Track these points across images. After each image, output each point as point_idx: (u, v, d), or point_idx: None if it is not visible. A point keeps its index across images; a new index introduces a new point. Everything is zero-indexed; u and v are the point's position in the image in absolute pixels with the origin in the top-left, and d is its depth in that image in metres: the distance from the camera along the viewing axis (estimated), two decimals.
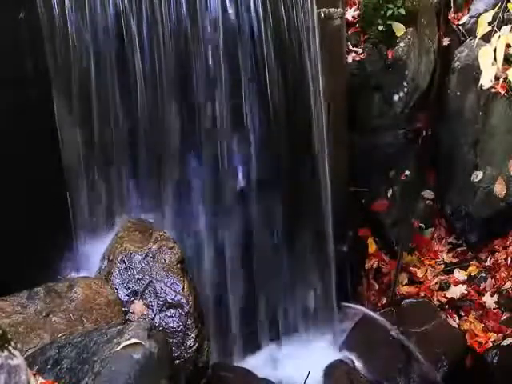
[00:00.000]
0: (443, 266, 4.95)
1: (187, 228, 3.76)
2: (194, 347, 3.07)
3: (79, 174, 3.49)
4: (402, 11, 4.66)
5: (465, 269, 4.87)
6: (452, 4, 5.11)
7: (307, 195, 4.17)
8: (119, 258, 3.22)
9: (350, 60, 4.82)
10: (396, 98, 4.86)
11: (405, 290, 4.86)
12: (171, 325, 3.08)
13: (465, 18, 5.05)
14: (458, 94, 4.89)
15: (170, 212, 3.70)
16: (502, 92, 4.64)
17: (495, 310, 4.57)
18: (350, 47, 4.85)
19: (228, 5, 3.61)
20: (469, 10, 5.05)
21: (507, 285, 4.63)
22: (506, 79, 4.31)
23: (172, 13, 3.49)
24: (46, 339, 2.77)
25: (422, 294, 4.74)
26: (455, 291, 4.73)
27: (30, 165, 3.28)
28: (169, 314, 3.10)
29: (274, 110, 3.87)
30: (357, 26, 4.90)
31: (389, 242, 5.04)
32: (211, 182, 3.80)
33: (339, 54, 4.50)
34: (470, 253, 4.97)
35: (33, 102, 3.27)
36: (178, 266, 3.20)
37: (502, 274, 4.69)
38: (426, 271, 4.93)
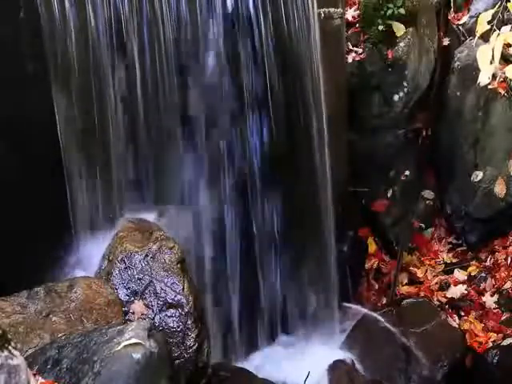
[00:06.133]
0: (443, 266, 4.96)
1: (186, 235, 3.75)
2: (194, 347, 3.07)
3: (79, 173, 3.50)
4: (402, 11, 4.66)
5: (465, 269, 4.87)
6: (452, 4, 5.11)
7: (307, 195, 4.17)
8: (119, 258, 3.22)
9: (350, 60, 4.82)
10: (396, 97, 4.86)
11: (405, 289, 4.86)
12: (171, 325, 3.07)
13: (465, 18, 5.05)
14: (458, 93, 4.90)
15: (170, 214, 3.70)
16: (502, 92, 4.64)
17: (495, 310, 4.57)
18: (350, 47, 4.86)
19: (228, 5, 3.61)
20: (469, 9, 5.05)
21: (507, 285, 4.63)
22: (505, 79, 4.31)
23: (172, 12, 3.50)
24: (45, 339, 2.77)
25: (422, 294, 4.74)
26: (455, 291, 4.73)
27: (29, 164, 3.28)
28: (169, 314, 3.09)
29: (274, 110, 3.87)
30: (357, 26, 4.90)
31: (389, 241, 5.04)
32: (212, 180, 3.81)
33: (339, 54, 4.50)
34: (469, 253, 4.97)
35: (33, 101, 3.28)
36: (178, 265, 3.20)
37: (502, 274, 4.70)
38: (426, 271, 4.93)
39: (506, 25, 2.54)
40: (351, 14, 4.91)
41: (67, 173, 3.49)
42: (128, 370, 2.28)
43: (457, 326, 4.47)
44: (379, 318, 4.27)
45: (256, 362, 4.04)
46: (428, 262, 4.99)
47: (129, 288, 3.15)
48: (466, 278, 4.81)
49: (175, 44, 3.54)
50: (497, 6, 2.60)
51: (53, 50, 3.33)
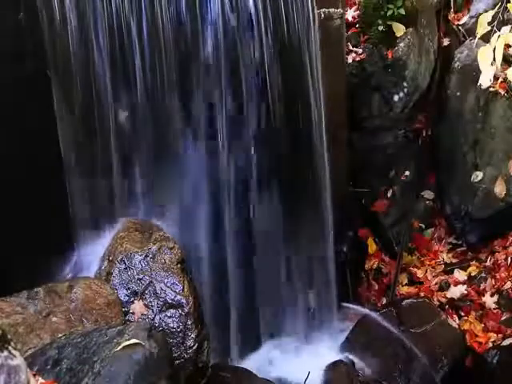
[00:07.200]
0: (443, 267, 4.95)
1: (186, 236, 3.75)
2: (194, 347, 3.07)
3: (80, 173, 3.50)
4: (402, 11, 4.66)
5: (465, 269, 4.86)
6: (452, 4, 5.11)
7: (307, 195, 4.18)
8: (119, 259, 3.22)
9: (350, 60, 4.82)
10: (396, 98, 4.86)
11: (405, 290, 4.86)
12: (171, 325, 3.08)
13: (465, 19, 5.04)
14: (458, 94, 4.89)
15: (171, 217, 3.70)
16: (502, 92, 4.63)
17: (495, 310, 4.56)
18: (350, 47, 4.86)
19: (228, 5, 3.61)
20: (469, 10, 5.04)
21: (507, 285, 4.62)
22: (505, 79, 4.31)
23: (172, 13, 3.50)
24: (45, 339, 2.77)
25: (422, 295, 4.73)
26: (455, 291, 4.73)
27: (29, 165, 3.29)
28: (169, 315, 3.10)
29: (274, 110, 3.87)
30: (357, 26, 4.90)
31: (389, 242, 5.04)
32: (213, 179, 3.82)
33: (339, 54, 4.50)
34: (469, 253, 4.96)
35: (33, 102, 3.28)
36: (178, 266, 3.20)
37: (502, 275, 4.69)
38: (426, 271, 4.92)
39: (506, 25, 2.54)
40: (351, 14, 4.91)
41: (67, 172, 3.50)
42: (128, 371, 2.28)
43: (457, 326, 4.46)
44: (379, 318, 4.27)
45: (256, 362, 4.04)
46: (428, 263, 4.99)
47: (129, 288, 3.15)
48: (465, 278, 4.81)
49: (175, 48, 3.54)
50: (497, 7, 2.60)
51: (53, 50, 3.33)
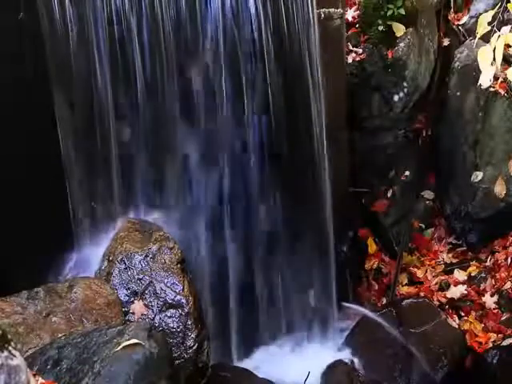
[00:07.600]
0: (443, 267, 4.95)
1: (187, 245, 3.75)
2: (194, 347, 3.07)
3: (79, 173, 3.50)
4: (402, 11, 4.66)
5: (465, 269, 4.86)
6: (452, 4, 5.11)
7: (307, 195, 4.18)
8: (119, 259, 3.22)
9: (350, 60, 4.82)
10: (396, 98, 4.86)
11: (405, 290, 4.85)
12: (171, 325, 3.08)
13: (465, 19, 5.04)
14: (458, 94, 4.89)
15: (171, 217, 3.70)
16: (502, 92, 4.63)
17: (495, 311, 4.56)
18: (350, 47, 4.85)
19: (228, 5, 3.61)
20: (469, 10, 5.04)
21: (507, 285, 4.62)
22: (505, 79, 4.31)
23: (172, 12, 3.50)
24: (45, 339, 2.77)
25: (422, 295, 4.73)
26: (455, 291, 4.73)
27: (29, 165, 3.29)
28: (169, 315, 3.10)
29: (274, 110, 3.87)
30: (357, 26, 4.90)
31: (389, 242, 5.04)
32: (212, 181, 3.82)
33: (339, 54, 4.50)
34: (469, 253, 4.96)
35: (33, 102, 3.28)
36: (178, 266, 3.20)
37: (502, 275, 4.69)
38: (426, 271, 4.92)
39: (506, 25, 2.54)
40: (351, 14, 4.91)
41: (67, 172, 3.50)
42: (128, 371, 2.29)
43: (457, 326, 4.46)
44: (379, 318, 4.27)
45: (256, 362, 4.04)
46: (428, 263, 4.98)
47: (129, 288, 3.15)
48: (465, 278, 4.80)
49: (175, 47, 3.54)
50: (497, 7, 2.60)
51: (53, 50, 3.33)
